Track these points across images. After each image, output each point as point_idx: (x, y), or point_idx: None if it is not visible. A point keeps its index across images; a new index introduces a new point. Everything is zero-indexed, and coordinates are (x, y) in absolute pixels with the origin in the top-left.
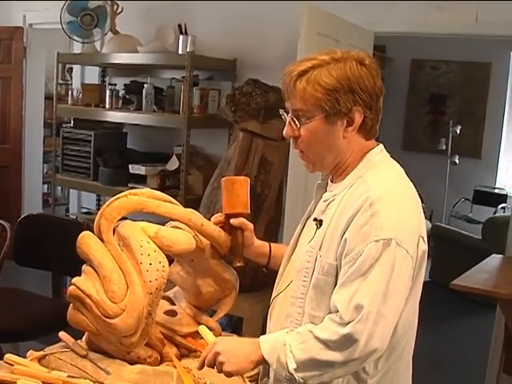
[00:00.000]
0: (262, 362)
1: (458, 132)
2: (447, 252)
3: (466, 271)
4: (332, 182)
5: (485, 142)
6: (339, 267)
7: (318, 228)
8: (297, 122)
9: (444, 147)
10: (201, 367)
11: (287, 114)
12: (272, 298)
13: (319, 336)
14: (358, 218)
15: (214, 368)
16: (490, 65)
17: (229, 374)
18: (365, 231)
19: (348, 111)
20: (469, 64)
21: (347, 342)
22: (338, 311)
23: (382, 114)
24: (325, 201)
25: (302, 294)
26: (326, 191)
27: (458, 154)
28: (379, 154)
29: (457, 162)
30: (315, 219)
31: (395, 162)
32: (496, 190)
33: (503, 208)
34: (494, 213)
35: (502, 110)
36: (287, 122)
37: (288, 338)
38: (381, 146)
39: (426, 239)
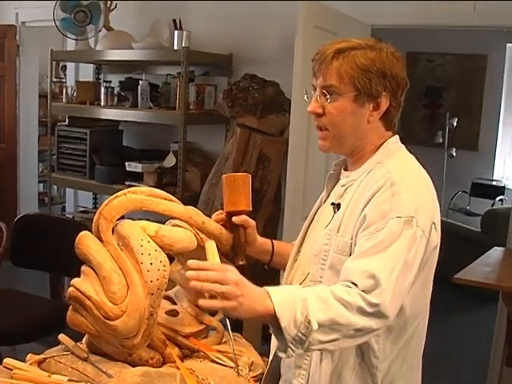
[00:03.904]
0: (266, 316)
1: (455, 124)
2: (446, 245)
3: (465, 264)
4: (345, 170)
5: (482, 134)
6: (353, 245)
7: (335, 212)
8: (328, 97)
9: (441, 140)
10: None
11: (313, 91)
12: None
13: (342, 297)
14: (378, 196)
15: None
16: (486, 57)
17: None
18: (385, 208)
19: (378, 95)
20: (465, 56)
21: (372, 309)
22: (352, 281)
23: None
24: (342, 186)
25: (320, 278)
26: (338, 181)
27: (454, 146)
28: (396, 144)
29: (454, 154)
30: (333, 203)
31: (409, 153)
32: (493, 182)
33: (501, 200)
34: (492, 205)
35: (499, 101)
36: (314, 98)
37: (306, 294)
38: (397, 136)
39: (437, 227)
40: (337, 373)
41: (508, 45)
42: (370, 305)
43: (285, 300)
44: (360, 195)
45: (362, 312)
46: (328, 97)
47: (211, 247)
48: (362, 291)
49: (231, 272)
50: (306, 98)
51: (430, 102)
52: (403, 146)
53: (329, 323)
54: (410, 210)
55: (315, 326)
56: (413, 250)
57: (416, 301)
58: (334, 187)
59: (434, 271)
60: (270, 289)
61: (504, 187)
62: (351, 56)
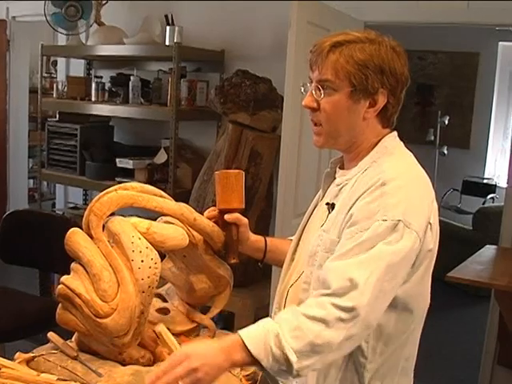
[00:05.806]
0: (245, 360)
1: (447, 122)
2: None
3: (458, 262)
4: (341, 169)
5: (473, 132)
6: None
7: (329, 212)
8: (322, 92)
9: (432, 138)
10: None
11: (309, 84)
12: (281, 289)
13: (315, 315)
14: (367, 195)
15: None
16: (478, 55)
17: None
18: (372, 208)
19: (374, 92)
20: (456, 54)
21: (348, 314)
22: (328, 281)
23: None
24: (337, 185)
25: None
26: (334, 179)
27: (446, 144)
28: (394, 141)
29: (445, 152)
30: (327, 203)
31: (408, 151)
32: (485, 181)
33: (492, 198)
34: (483, 203)
35: (490, 100)
36: (309, 92)
37: (278, 327)
38: (395, 133)
39: (434, 228)
40: (323, 371)
41: (500, 43)
42: (345, 310)
43: (258, 340)
44: (352, 194)
45: (341, 321)
46: (322, 91)
47: (165, 333)
48: (336, 294)
49: (177, 353)
50: (302, 90)
51: (422, 100)
52: (401, 142)
53: (308, 348)
54: (397, 213)
55: (294, 358)
56: (401, 252)
57: (411, 303)
58: (329, 186)
59: (430, 274)
60: (242, 333)
61: (495, 185)
62: (348, 50)
